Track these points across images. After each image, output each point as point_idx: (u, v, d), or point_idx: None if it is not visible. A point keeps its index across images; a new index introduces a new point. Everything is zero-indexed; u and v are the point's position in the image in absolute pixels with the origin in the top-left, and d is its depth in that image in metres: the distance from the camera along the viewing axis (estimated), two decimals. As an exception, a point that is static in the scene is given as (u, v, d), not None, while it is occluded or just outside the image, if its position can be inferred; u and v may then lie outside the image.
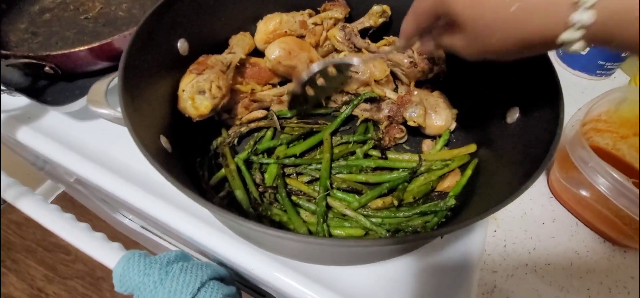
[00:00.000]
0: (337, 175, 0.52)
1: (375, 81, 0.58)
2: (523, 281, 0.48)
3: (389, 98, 0.59)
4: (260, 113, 0.60)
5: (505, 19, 0.28)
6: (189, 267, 0.47)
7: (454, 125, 0.58)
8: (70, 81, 0.59)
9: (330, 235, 0.46)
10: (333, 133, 0.57)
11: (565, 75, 0.74)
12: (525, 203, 0.55)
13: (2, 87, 0.56)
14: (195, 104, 0.48)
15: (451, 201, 0.47)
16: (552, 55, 0.71)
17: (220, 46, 0.58)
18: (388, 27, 0.65)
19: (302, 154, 0.55)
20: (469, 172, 0.51)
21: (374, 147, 0.56)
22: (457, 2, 0.31)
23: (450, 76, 0.60)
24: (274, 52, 0.57)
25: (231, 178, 0.49)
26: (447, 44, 0.37)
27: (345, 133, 0.59)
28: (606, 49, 0.67)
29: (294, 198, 0.50)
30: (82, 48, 0.54)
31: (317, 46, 0.62)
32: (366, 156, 0.55)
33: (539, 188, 0.57)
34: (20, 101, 0.60)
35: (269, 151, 0.55)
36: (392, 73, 0.61)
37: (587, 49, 0.34)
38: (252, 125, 0.58)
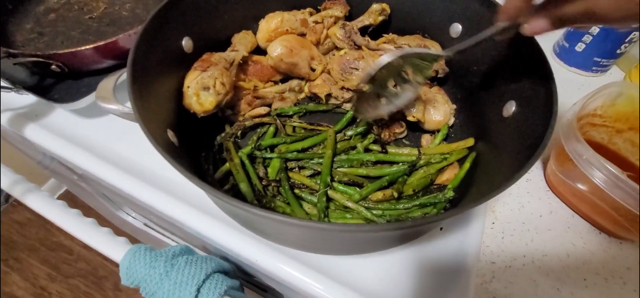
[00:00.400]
0: (338, 169, 0.53)
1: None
2: (521, 272, 0.49)
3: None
4: (263, 110, 0.61)
5: None
6: (194, 260, 0.48)
7: (452, 120, 0.59)
8: (77, 79, 0.60)
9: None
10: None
11: (562, 72, 0.75)
12: (522, 196, 0.56)
13: (10, 85, 0.57)
14: (200, 100, 0.50)
15: (449, 193, 0.49)
16: (548, 52, 0.72)
17: (223, 44, 0.59)
18: (387, 25, 0.66)
19: (305, 150, 0.56)
20: (467, 165, 0.52)
21: (375, 141, 0.57)
22: None
23: (449, 71, 0.62)
24: (276, 50, 0.59)
25: (235, 172, 0.50)
26: (581, 9, 0.30)
27: (347, 128, 0.60)
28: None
29: (296, 191, 0.51)
30: (88, 47, 0.55)
31: (317, 44, 0.64)
32: (367, 150, 0.56)
33: (536, 181, 0.58)
34: (27, 99, 0.61)
35: (272, 147, 0.56)
36: (392, 70, 0.62)
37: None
38: (256, 120, 0.59)
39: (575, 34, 0.71)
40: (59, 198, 0.54)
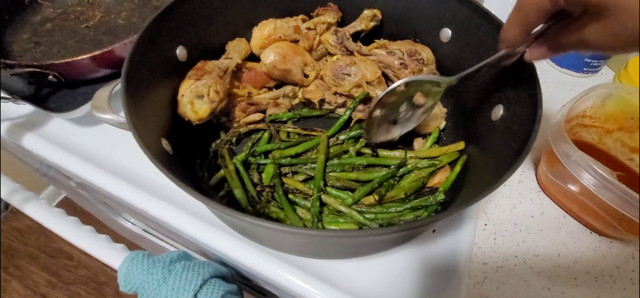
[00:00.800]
0: (330, 174, 0.54)
1: (367, 82, 0.60)
2: (512, 271, 0.49)
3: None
4: (257, 116, 0.62)
5: None
6: (192, 265, 0.48)
7: (443, 123, 0.60)
8: (73, 88, 0.61)
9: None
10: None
11: (553, 73, 0.76)
12: (514, 198, 0.57)
13: (8, 96, 0.58)
14: (194, 108, 0.50)
15: (441, 196, 0.49)
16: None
17: (217, 52, 0.60)
18: (379, 31, 0.67)
19: (298, 155, 0.57)
20: (458, 168, 0.52)
21: (367, 145, 0.58)
22: None
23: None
24: (269, 57, 0.60)
25: (230, 178, 0.51)
26: (575, 40, 0.32)
27: (340, 132, 0.61)
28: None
29: (290, 196, 0.52)
30: (84, 56, 0.56)
31: (310, 50, 0.64)
32: (359, 154, 0.57)
33: (527, 182, 0.59)
34: (24, 108, 0.62)
35: (266, 153, 0.57)
36: (384, 74, 0.63)
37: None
38: (251, 126, 0.60)
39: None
40: (59, 204, 0.55)
